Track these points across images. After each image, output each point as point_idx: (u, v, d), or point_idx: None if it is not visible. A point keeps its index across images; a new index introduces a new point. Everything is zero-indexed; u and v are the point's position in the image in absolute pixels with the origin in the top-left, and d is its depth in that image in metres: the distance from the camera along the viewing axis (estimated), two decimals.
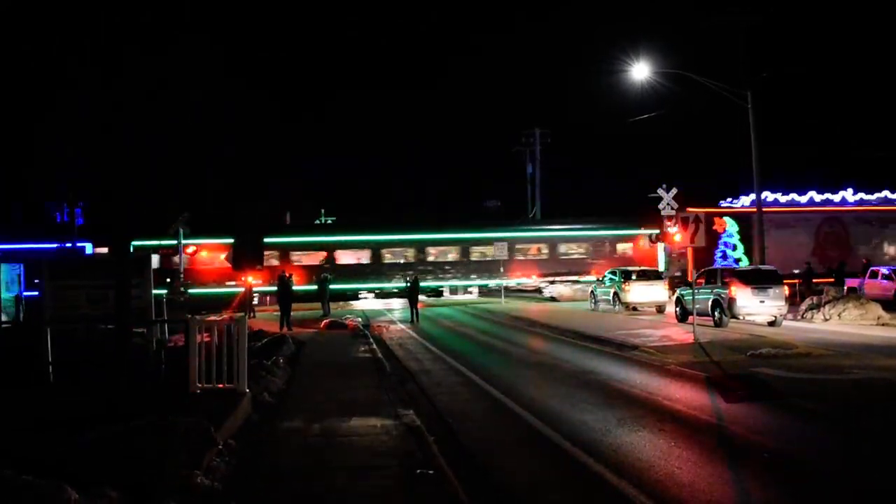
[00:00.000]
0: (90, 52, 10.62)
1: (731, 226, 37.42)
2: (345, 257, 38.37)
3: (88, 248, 32.53)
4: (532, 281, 39.06)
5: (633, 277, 28.37)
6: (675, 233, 26.13)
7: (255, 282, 34.01)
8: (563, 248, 39.66)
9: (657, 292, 28.18)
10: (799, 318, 23.58)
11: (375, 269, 38.17)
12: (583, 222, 40.32)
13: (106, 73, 10.25)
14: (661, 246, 37.82)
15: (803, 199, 38.64)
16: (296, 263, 36.51)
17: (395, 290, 37.59)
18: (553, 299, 37.43)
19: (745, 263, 34.29)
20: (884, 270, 29.32)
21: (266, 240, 37.05)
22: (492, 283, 38.80)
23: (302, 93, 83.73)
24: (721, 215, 37.57)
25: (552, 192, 53.68)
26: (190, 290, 29.36)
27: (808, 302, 24.70)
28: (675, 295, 24.62)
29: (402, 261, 38.51)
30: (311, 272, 35.78)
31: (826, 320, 22.70)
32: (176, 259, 32.59)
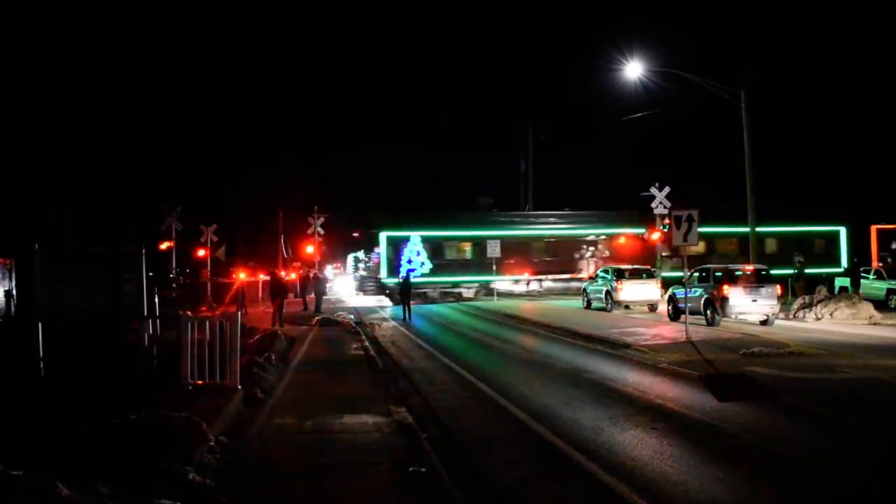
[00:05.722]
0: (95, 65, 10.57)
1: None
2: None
3: None
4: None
5: (626, 276, 28.40)
6: (668, 231, 26.16)
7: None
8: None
9: (650, 291, 28.23)
10: (791, 317, 23.66)
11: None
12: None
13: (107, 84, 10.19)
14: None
15: None
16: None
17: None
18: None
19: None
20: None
21: None
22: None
23: (298, 87, 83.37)
24: None
25: (546, 190, 53.61)
26: None
27: (800, 301, 24.78)
28: (668, 293, 24.68)
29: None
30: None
31: (818, 319, 22.79)
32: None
